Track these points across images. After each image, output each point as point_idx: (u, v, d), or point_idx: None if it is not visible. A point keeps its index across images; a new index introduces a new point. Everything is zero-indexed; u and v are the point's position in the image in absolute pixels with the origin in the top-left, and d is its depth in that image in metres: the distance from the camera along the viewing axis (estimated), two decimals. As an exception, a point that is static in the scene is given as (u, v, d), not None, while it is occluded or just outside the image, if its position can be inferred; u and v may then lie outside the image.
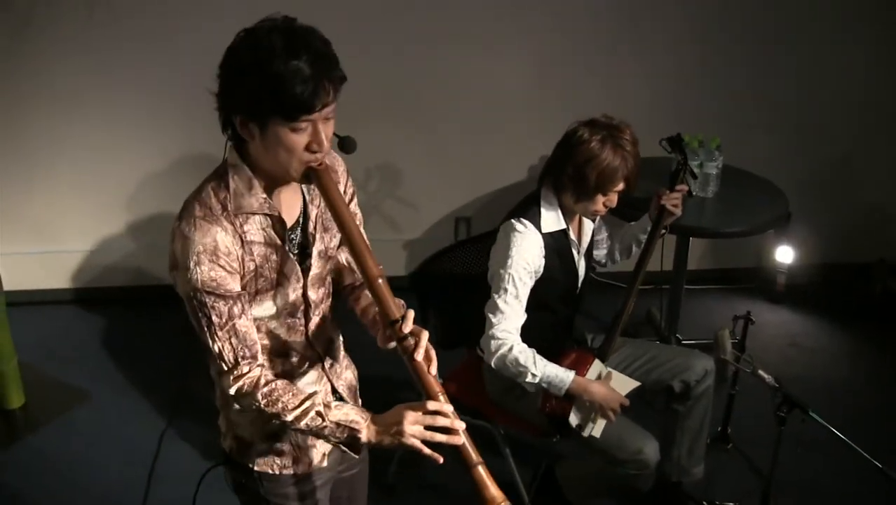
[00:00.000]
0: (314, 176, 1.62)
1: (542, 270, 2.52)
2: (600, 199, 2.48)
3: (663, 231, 2.78)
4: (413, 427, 1.58)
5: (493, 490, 1.56)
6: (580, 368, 2.55)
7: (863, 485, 3.02)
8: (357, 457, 1.74)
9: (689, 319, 3.92)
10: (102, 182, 4.03)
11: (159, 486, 2.37)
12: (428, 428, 1.58)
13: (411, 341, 1.61)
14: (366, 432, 1.64)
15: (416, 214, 4.28)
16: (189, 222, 1.60)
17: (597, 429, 2.53)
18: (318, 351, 1.85)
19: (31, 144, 3.91)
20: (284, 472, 1.87)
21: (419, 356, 1.61)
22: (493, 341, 2.46)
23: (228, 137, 1.64)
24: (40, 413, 3.41)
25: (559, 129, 2.57)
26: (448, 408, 1.60)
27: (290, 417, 1.65)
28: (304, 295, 1.77)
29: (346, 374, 1.96)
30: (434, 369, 1.64)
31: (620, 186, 2.48)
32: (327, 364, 1.88)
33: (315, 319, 1.82)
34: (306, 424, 1.64)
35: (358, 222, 1.79)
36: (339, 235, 1.82)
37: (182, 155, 3.99)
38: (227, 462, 1.90)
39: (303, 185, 1.74)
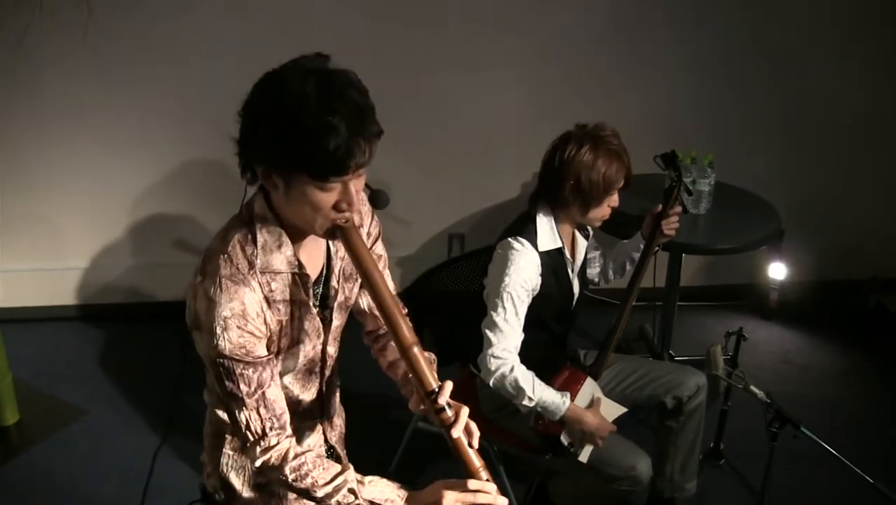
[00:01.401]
0: (340, 233, 1.51)
1: (538, 288, 2.52)
2: (606, 201, 2.50)
3: (656, 249, 2.78)
4: None
5: None
6: (572, 386, 2.55)
7: (855, 501, 3.02)
8: None
9: (681, 335, 3.93)
10: (99, 200, 4.04)
11: (154, 503, 2.37)
12: None
13: (449, 414, 1.52)
14: None
15: (409, 231, 4.28)
16: (214, 282, 1.47)
17: (583, 454, 2.54)
18: (323, 404, 1.79)
19: (29, 163, 3.92)
20: None
21: (456, 433, 1.51)
22: (493, 360, 2.43)
23: (248, 182, 1.51)
24: (35, 430, 3.40)
25: (553, 145, 2.58)
26: (491, 486, 1.53)
27: (320, 494, 1.54)
28: (324, 350, 1.70)
29: (337, 421, 1.90)
30: (476, 443, 1.56)
31: (622, 184, 2.50)
32: (326, 417, 1.81)
33: (328, 375, 1.75)
34: (337, 501, 1.54)
35: (382, 266, 1.70)
36: (359, 281, 1.74)
37: (179, 175, 3.99)
38: (205, 499, 1.84)
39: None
